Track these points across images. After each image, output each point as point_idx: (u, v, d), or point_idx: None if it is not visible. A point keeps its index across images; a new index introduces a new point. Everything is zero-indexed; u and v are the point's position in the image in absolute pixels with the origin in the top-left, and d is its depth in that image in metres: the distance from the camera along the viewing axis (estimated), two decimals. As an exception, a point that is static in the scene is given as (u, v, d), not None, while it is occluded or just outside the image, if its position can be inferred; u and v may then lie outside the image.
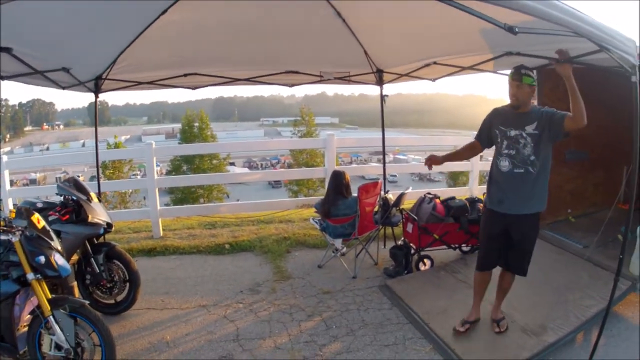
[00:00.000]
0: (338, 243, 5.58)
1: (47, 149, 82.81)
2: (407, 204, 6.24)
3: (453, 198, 5.96)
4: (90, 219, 4.37)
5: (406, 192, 5.94)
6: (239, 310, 4.77)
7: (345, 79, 6.33)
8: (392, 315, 4.61)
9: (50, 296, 3.32)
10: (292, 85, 6.62)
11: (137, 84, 5.98)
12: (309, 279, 5.55)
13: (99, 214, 4.49)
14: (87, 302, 3.42)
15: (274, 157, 63.56)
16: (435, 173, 62.71)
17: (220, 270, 5.85)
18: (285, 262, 6.10)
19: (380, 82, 6.52)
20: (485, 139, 3.96)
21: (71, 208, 4.40)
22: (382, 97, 6.57)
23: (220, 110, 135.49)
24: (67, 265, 3.39)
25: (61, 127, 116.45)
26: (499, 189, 3.77)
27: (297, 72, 6.09)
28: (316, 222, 6.03)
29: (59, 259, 3.32)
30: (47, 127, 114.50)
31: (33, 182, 50.87)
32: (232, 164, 54.22)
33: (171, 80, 5.93)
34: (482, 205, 5.65)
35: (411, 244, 5.77)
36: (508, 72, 3.69)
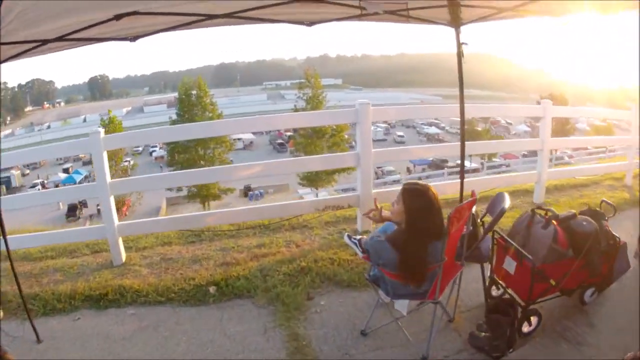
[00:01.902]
0: (403, 307, 3.21)
1: (49, 127, 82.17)
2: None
3: (573, 216, 3.59)
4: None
5: (506, 205, 3.51)
6: None
7: (399, 14, 3.70)
8: None
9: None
10: (311, 24, 4.01)
11: (42, 44, 3.52)
12: (350, 365, 3.26)
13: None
14: None
15: (279, 122, 61.20)
16: (444, 133, 60.09)
17: (200, 346, 3.54)
18: (306, 323, 3.76)
19: (456, 21, 3.89)
20: None
21: None
22: (459, 47, 3.98)
23: (223, 77, 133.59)
24: None
25: (62, 104, 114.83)
26: None
27: (319, 1, 3.54)
28: (354, 243, 3.72)
29: None
30: (47, 105, 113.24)
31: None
32: (235, 130, 52.12)
33: (96, 29, 3.45)
34: (607, 223, 3.70)
35: (506, 287, 3.60)
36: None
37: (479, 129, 44.48)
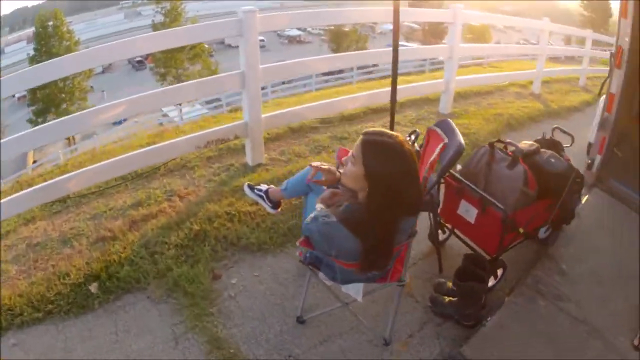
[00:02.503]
0: (357, 292, 2.42)
1: None
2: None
3: (537, 150, 3.02)
4: None
5: (462, 142, 2.56)
6: None
7: None
8: None
9: None
10: None
11: None
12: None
13: None
14: None
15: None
16: (305, 34, 55.97)
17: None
18: (223, 318, 2.84)
19: None
20: None
21: None
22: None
23: (81, 2, 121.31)
24: None
25: None
26: None
27: None
28: (260, 196, 2.96)
29: None
30: None
31: None
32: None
33: None
34: (567, 156, 3.22)
35: (453, 229, 3.22)
36: None
37: (347, 29, 43.03)
